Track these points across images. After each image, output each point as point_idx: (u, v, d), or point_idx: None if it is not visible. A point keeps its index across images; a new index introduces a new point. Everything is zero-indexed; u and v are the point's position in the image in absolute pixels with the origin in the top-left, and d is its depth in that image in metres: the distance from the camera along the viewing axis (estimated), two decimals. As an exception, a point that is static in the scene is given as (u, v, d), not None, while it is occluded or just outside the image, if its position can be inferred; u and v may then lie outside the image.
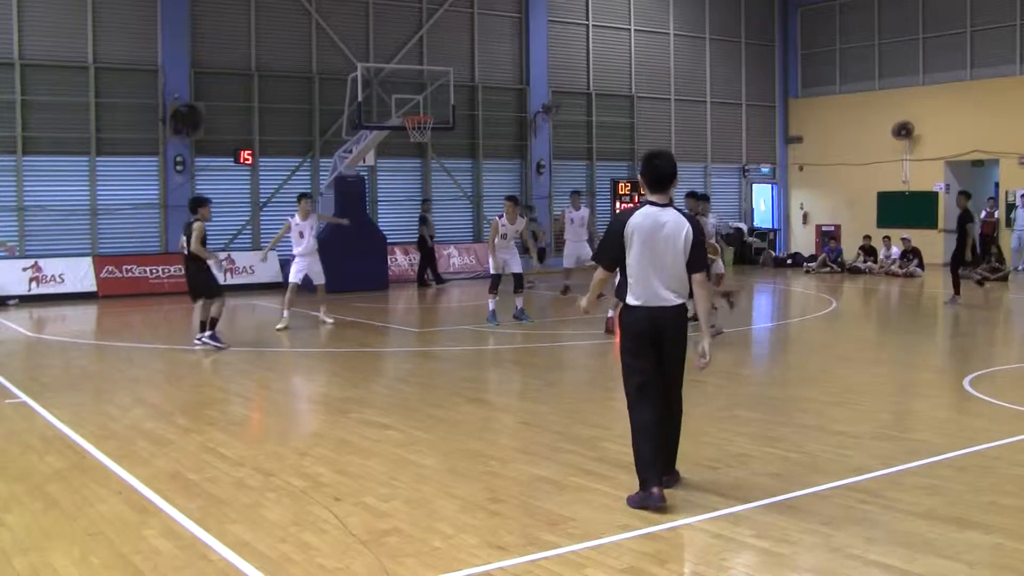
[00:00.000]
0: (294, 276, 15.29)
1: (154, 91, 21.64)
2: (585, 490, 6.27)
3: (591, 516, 5.75)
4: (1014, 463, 6.88)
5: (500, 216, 15.16)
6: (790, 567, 4.97)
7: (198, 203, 13.00)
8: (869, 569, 4.89)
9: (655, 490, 5.80)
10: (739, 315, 14.94)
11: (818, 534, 5.40)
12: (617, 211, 26.70)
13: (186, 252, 12.78)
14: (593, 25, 27.52)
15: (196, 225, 12.64)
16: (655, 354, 6.03)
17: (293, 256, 15.40)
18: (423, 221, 23.22)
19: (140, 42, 21.54)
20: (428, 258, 23.22)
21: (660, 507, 5.75)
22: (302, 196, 15.71)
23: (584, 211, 19.71)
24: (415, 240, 23.84)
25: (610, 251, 6.11)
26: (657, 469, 5.88)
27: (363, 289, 20.45)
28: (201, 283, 12.88)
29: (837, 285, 22.70)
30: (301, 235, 15.23)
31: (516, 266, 15.24)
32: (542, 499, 6.09)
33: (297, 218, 15.28)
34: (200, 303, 12.96)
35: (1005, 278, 22.40)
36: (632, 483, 6.40)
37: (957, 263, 17.45)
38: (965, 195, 17.51)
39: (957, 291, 17.35)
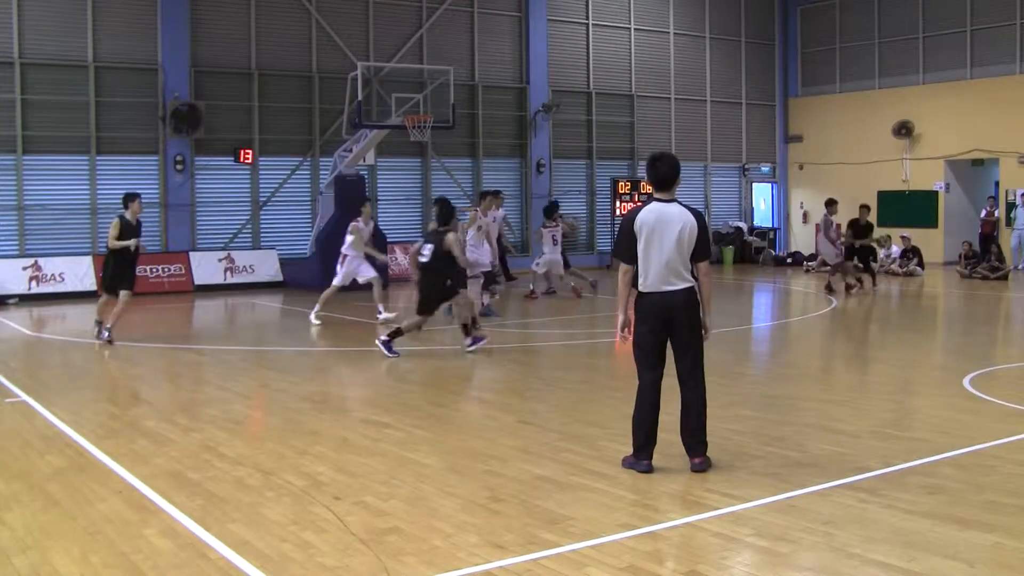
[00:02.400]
0: (370, 272, 15.70)
1: (154, 90, 21.65)
2: (585, 489, 6.27)
3: (591, 515, 5.74)
4: (1014, 462, 6.88)
5: (475, 208, 15.75)
6: (790, 566, 4.96)
7: (451, 213, 12.01)
8: (869, 568, 4.89)
9: (645, 461, 6.62)
10: (739, 314, 14.93)
11: (818, 533, 5.40)
12: (618, 210, 26.80)
13: (425, 262, 11.81)
14: (593, 24, 27.53)
15: (451, 237, 11.74)
16: (667, 335, 6.65)
17: (344, 256, 15.58)
18: (506, 220, 23.60)
19: (140, 41, 21.55)
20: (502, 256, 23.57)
21: (647, 472, 6.55)
22: (366, 200, 16.54)
23: (501, 211, 17.79)
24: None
25: (626, 246, 6.67)
26: (650, 443, 6.63)
27: (363, 288, 20.42)
28: (447, 289, 12.00)
29: (837, 284, 22.65)
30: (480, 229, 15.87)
31: (487, 264, 15.74)
32: (542, 498, 6.09)
33: (361, 222, 15.68)
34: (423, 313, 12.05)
35: (1005, 277, 22.40)
36: (631, 483, 6.41)
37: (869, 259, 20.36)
38: (867, 208, 20.88)
39: (862, 283, 19.74)
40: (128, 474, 6.80)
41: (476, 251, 15.36)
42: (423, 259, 11.82)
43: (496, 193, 17.48)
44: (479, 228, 15.55)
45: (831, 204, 20.08)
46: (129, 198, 13.17)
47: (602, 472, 6.66)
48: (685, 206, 6.69)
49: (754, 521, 5.62)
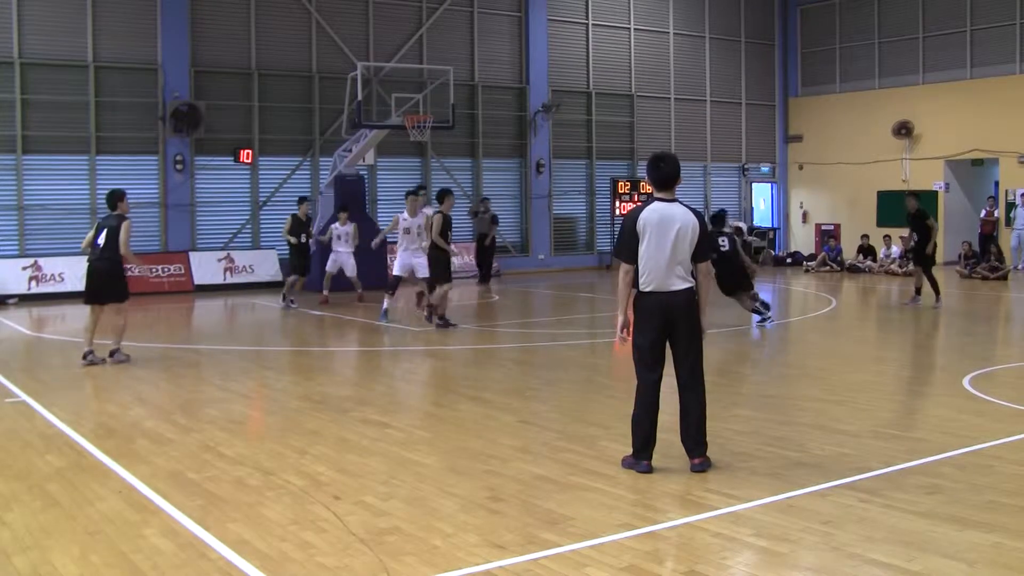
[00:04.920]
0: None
1: (154, 90, 21.64)
2: (585, 489, 6.27)
3: (591, 515, 5.75)
4: (1014, 462, 6.88)
5: (402, 212, 15.28)
6: (790, 566, 4.97)
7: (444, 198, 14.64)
8: (869, 568, 4.89)
9: (645, 461, 6.62)
10: (739, 313, 14.94)
11: (818, 533, 5.40)
12: (617, 210, 26.77)
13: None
14: (593, 24, 27.52)
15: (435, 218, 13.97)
16: (667, 336, 6.63)
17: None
18: (496, 220, 24.12)
19: (140, 41, 21.54)
20: (490, 255, 24.00)
21: (647, 472, 6.56)
22: (411, 194, 15.77)
23: (420, 217, 15.41)
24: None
25: (628, 245, 6.66)
26: (650, 443, 6.64)
27: (362, 288, 20.41)
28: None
29: (836, 284, 22.70)
30: (407, 231, 15.17)
31: (423, 271, 14.85)
32: (542, 498, 6.09)
33: (406, 215, 15.21)
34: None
35: (1005, 277, 22.40)
36: (631, 483, 6.41)
37: (928, 263, 16.90)
38: (916, 196, 17.57)
39: (937, 293, 16.78)
40: (128, 474, 6.80)
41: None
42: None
43: (416, 191, 16.07)
44: (406, 231, 14.97)
45: (718, 219, 15.03)
46: (118, 196, 11.63)
47: (602, 472, 6.66)
48: (686, 207, 6.70)
49: (754, 521, 5.62)
